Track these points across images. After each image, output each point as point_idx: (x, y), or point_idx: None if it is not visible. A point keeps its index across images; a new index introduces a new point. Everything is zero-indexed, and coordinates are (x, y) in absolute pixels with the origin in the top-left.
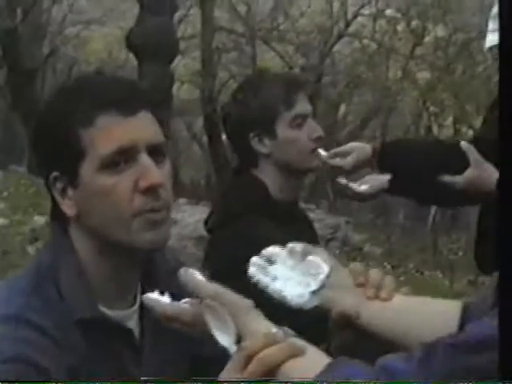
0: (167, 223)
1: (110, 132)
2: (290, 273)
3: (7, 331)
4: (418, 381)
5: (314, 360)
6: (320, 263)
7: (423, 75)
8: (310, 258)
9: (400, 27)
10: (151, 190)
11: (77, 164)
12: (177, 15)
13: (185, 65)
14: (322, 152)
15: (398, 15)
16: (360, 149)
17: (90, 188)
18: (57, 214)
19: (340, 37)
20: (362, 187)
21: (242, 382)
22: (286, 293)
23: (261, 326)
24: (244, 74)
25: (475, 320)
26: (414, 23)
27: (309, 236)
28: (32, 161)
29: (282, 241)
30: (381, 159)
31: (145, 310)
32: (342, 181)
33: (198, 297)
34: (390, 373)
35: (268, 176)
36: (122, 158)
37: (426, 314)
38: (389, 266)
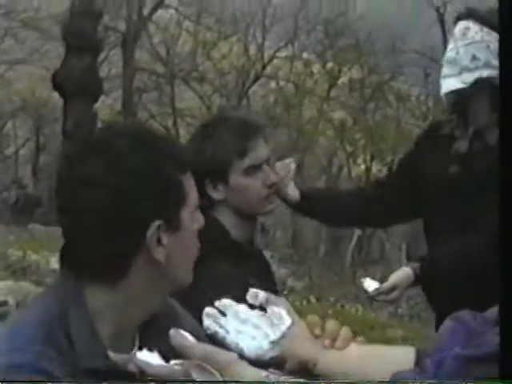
0: None
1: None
2: (241, 326)
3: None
4: None
5: None
6: (283, 315)
7: (338, 115)
8: (274, 308)
9: (315, 69)
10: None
11: (179, 210)
12: (100, 56)
13: (107, 104)
14: (368, 286)
15: (314, 57)
16: (403, 280)
17: (187, 233)
18: (72, 261)
19: (257, 78)
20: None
21: (244, 382)
22: (242, 345)
23: (250, 373)
24: (163, 113)
25: (429, 364)
26: (329, 65)
27: (266, 275)
28: None
29: (243, 280)
30: (423, 280)
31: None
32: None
33: (187, 357)
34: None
35: (225, 218)
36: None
37: (382, 361)
38: (314, 300)
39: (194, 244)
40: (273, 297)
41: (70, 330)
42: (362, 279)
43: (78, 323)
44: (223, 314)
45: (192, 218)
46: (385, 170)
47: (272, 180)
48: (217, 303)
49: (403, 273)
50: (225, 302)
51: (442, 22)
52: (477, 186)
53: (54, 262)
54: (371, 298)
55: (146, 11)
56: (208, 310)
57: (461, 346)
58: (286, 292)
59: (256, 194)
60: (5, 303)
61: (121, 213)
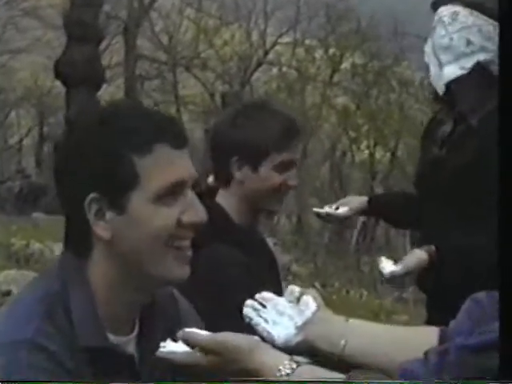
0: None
1: (166, 165)
2: (278, 318)
3: (20, 357)
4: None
5: None
6: (309, 301)
7: (341, 101)
8: (304, 297)
9: (318, 55)
10: (194, 226)
11: (127, 191)
12: (102, 44)
13: (110, 92)
14: (383, 268)
15: (316, 43)
16: (418, 264)
17: (137, 216)
18: (72, 240)
19: (259, 64)
20: (341, 210)
21: (242, 382)
22: (274, 333)
23: (269, 358)
24: (166, 100)
25: (434, 353)
26: (331, 51)
27: (269, 260)
28: None
29: (246, 265)
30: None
31: (142, 337)
32: (320, 211)
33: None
34: (411, 377)
35: (231, 201)
36: (173, 191)
37: (408, 343)
38: (319, 286)
39: (157, 236)
40: (305, 289)
41: (70, 308)
42: (379, 258)
43: (79, 302)
44: (263, 305)
45: (149, 207)
46: (388, 156)
47: (293, 182)
48: (257, 295)
49: (418, 257)
50: (265, 295)
51: None
52: (464, 169)
53: (58, 251)
54: (384, 281)
55: None
56: (250, 302)
57: (471, 330)
58: (290, 278)
59: (273, 189)
60: (9, 293)
61: (74, 189)
